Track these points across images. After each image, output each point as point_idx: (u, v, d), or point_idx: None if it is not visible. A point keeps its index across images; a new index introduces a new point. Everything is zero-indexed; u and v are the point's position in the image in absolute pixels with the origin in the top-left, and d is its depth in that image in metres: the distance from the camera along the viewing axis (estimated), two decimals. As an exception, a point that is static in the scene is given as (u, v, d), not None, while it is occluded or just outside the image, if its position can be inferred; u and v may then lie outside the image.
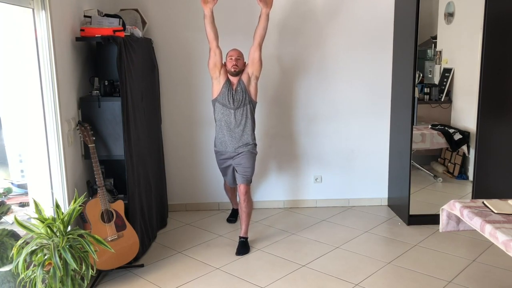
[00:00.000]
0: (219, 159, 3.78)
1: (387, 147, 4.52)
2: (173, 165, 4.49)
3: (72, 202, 2.57)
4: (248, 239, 3.71)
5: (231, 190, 4.11)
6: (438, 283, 3.08)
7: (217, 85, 3.62)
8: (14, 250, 2.41)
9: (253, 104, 3.66)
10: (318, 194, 4.61)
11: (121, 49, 3.17)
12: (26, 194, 3.07)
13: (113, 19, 3.32)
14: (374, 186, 4.59)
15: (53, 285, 2.38)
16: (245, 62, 3.67)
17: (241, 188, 3.64)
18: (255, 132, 3.75)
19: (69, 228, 2.55)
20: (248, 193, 3.65)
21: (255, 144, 3.71)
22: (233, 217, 4.26)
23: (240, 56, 3.62)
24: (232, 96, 3.57)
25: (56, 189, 2.98)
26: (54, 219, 2.48)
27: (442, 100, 4.40)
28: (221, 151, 3.71)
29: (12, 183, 3.11)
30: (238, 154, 3.64)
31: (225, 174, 3.88)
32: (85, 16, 3.36)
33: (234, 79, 3.60)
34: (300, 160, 4.54)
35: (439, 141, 4.38)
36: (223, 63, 3.63)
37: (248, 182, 3.66)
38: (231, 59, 3.58)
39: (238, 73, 3.59)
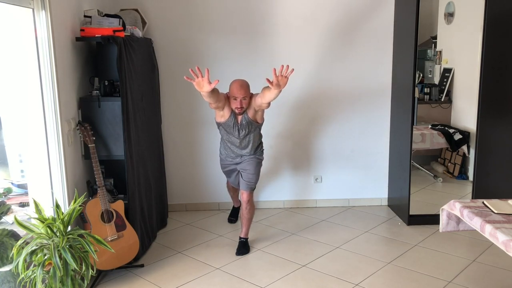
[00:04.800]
0: (223, 163, 3.77)
1: (387, 147, 4.52)
2: (173, 165, 4.49)
3: (72, 202, 2.57)
4: (248, 239, 3.71)
5: (233, 189, 4.09)
6: (438, 283, 3.08)
7: (219, 112, 3.47)
8: (14, 250, 2.41)
9: (259, 127, 3.57)
10: (318, 194, 4.61)
11: (121, 49, 3.17)
12: (26, 194, 3.07)
13: (113, 19, 3.32)
14: (374, 186, 4.59)
15: (53, 285, 2.38)
16: (251, 94, 3.41)
17: (244, 195, 3.61)
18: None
19: (69, 228, 2.55)
20: (250, 200, 3.62)
21: (262, 151, 3.70)
22: (234, 216, 4.26)
23: (246, 95, 3.32)
24: (238, 129, 3.46)
25: (56, 189, 2.98)
26: (54, 219, 2.48)
27: (442, 100, 4.40)
28: (226, 159, 3.71)
29: (12, 183, 3.12)
30: (244, 160, 3.61)
31: (229, 176, 3.85)
32: (85, 16, 3.36)
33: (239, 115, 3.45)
34: (300, 160, 4.54)
35: (439, 141, 4.38)
36: (226, 95, 3.41)
37: (252, 190, 3.63)
38: (236, 99, 3.32)
39: (244, 112, 3.42)
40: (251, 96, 3.42)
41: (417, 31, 3.73)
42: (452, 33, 4.35)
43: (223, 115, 3.45)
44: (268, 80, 3.05)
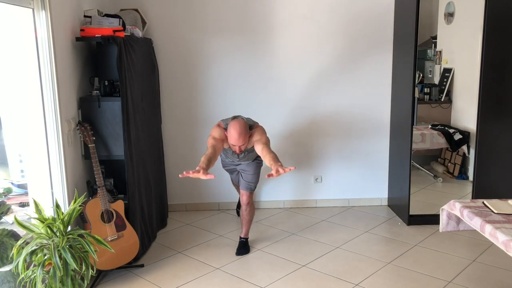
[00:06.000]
0: (223, 163, 3.76)
1: (387, 147, 4.52)
2: (173, 165, 4.49)
3: (72, 202, 2.57)
4: (248, 239, 3.71)
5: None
6: (438, 283, 3.08)
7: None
8: (14, 250, 2.41)
9: None
10: (318, 194, 4.61)
11: (121, 49, 3.17)
12: (26, 194, 3.07)
13: (113, 19, 3.32)
14: (374, 186, 4.59)
15: (53, 285, 2.38)
16: (250, 132, 3.31)
17: (243, 197, 3.61)
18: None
19: (69, 228, 2.55)
20: (250, 202, 3.62)
21: None
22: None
23: (244, 142, 3.23)
24: (238, 156, 3.49)
25: (56, 189, 2.98)
26: (54, 219, 2.48)
27: (442, 100, 4.40)
28: (225, 160, 3.71)
29: (12, 183, 3.12)
30: (243, 163, 3.61)
31: (230, 173, 3.87)
32: (85, 16, 3.36)
33: None
34: (300, 160, 4.54)
35: (439, 141, 4.38)
36: (224, 134, 3.30)
37: (251, 191, 3.63)
38: (234, 146, 3.28)
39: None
40: (251, 134, 3.29)
41: (417, 31, 3.73)
42: (452, 33, 4.35)
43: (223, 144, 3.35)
44: (269, 175, 2.85)
